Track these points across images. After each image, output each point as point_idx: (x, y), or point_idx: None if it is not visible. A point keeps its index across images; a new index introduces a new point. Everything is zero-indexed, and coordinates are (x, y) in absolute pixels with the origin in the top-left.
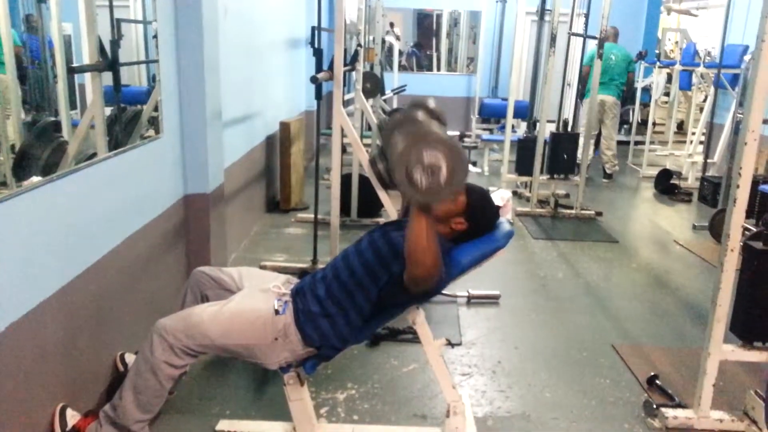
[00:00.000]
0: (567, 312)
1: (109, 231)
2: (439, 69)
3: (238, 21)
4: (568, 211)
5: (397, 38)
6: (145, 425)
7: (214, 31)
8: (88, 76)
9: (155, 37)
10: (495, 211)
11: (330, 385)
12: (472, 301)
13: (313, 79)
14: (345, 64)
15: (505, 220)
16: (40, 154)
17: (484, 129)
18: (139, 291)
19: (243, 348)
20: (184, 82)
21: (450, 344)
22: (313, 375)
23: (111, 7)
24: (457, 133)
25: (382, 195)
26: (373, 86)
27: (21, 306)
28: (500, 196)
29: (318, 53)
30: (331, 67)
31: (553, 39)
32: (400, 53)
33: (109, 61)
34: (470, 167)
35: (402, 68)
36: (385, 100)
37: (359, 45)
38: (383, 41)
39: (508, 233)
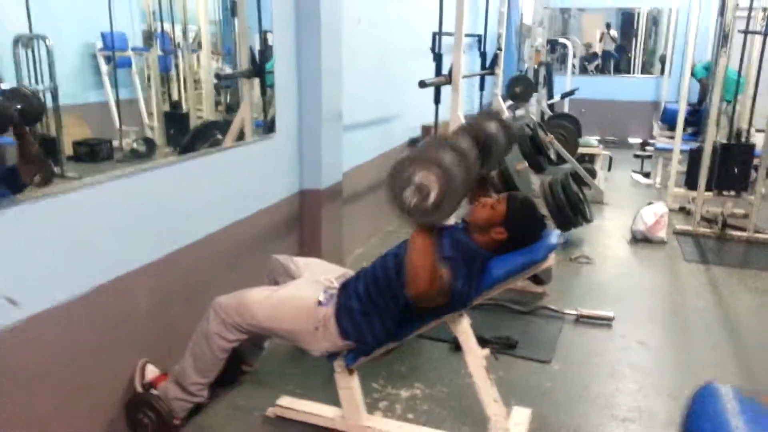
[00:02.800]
0: (689, 346)
1: (213, 215)
2: (633, 71)
3: (374, 28)
4: (739, 233)
5: (613, 40)
6: (204, 388)
7: (335, 39)
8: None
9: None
10: (539, 221)
11: (399, 382)
12: (580, 320)
13: (421, 84)
14: (483, 68)
15: (555, 232)
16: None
17: (670, 137)
18: (243, 270)
19: (286, 333)
20: (304, 87)
21: (494, 357)
22: (388, 370)
23: (260, 19)
24: (639, 140)
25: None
26: (524, 90)
27: (110, 271)
28: (653, 211)
29: (438, 58)
30: (450, 72)
31: (725, 37)
32: (594, 55)
33: (257, 68)
34: (641, 179)
35: (596, 71)
36: (552, 105)
37: (499, 48)
38: (556, 42)
39: (549, 246)
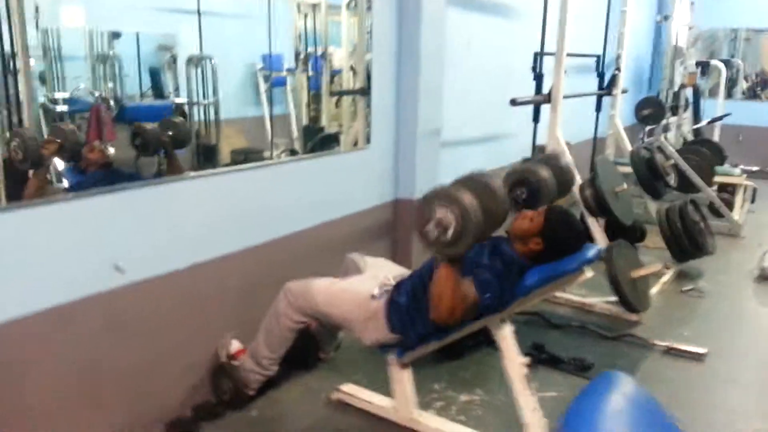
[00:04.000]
0: None
1: (306, 214)
2: None
3: (487, 50)
4: None
5: None
6: (274, 362)
7: (436, 62)
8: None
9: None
10: (576, 234)
11: (460, 386)
12: (670, 352)
13: (513, 102)
14: (601, 89)
15: (595, 246)
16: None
17: None
18: (330, 266)
19: (341, 320)
20: (401, 104)
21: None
22: (453, 374)
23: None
24: None
25: (591, 221)
26: (653, 113)
27: (205, 253)
28: None
29: (538, 77)
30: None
31: None
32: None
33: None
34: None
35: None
36: (697, 130)
37: (617, 69)
38: (707, 64)
39: (583, 259)
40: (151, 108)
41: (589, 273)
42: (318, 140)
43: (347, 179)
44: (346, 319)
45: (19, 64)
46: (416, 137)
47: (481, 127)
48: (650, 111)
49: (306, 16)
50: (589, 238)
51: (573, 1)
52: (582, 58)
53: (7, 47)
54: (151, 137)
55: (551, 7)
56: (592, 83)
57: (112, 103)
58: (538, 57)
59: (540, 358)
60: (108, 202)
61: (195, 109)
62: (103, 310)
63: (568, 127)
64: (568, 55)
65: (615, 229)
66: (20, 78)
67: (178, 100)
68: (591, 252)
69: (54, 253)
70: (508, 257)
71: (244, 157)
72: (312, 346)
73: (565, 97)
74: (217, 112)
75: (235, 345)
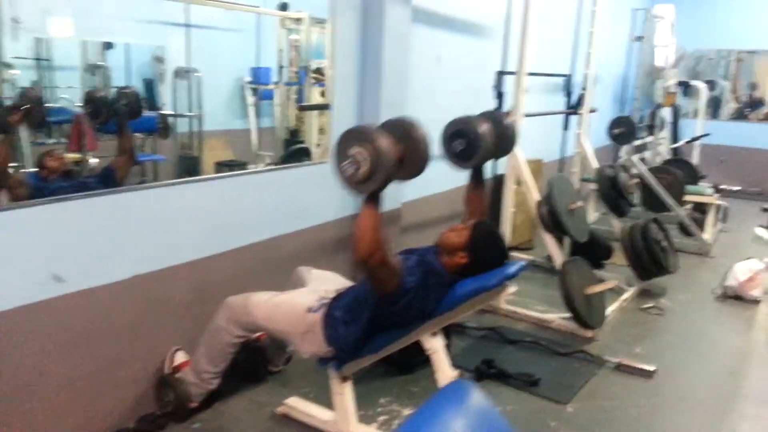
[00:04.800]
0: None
1: (262, 226)
2: None
3: (455, 67)
4: None
5: None
6: (215, 377)
7: (399, 77)
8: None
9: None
10: (500, 250)
11: (407, 400)
12: (620, 368)
13: None
14: (570, 107)
15: (518, 263)
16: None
17: None
18: (283, 279)
19: (279, 333)
20: (364, 119)
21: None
22: (401, 388)
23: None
24: None
25: (547, 238)
26: (624, 132)
27: (150, 264)
28: (748, 267)
29: (499, 96)
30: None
31: None
32: (757, 102)
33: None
34: (765, 234)
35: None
36: (675, 149)
37: (584, 88)
38: (687, 85)
39: (503, 275)
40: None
41: (511, 288)
42: (290, 152)
43: (307, 193)
44: (284, 332)
45: None
46: None
47: None
48: (621, 130)
49: (290, 30)
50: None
51: (536, 22)
52: (553, 77)
53: None
54: (102, 104)
55: (513, 25)
56: (562, 103)
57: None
58: (500, 75)
59: (489, 373)
60: (54, 210)
61: (180, 121)
62: (46, 318)
63: (537, 145)
64: (537, 74)
65: (579, 246)
66: None
67: (163, 112)
68: (513, 268)
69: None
70: (433, 268)
71: (228, 169)
72: (261, 359)
73: (528, 115)
74: (200, 124)
75: (180, 357)
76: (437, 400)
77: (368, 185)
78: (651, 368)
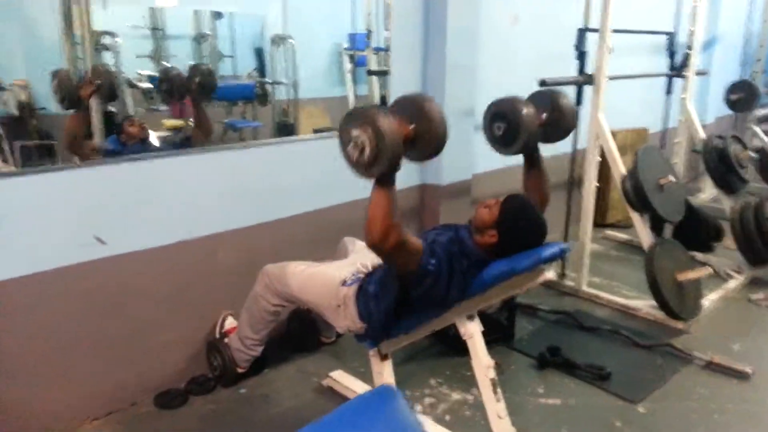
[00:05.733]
0: None
1: (316, 195)
2: None
3: (535, 25)
4: None
5: None
6: (256, 343)
7: (466, 37)
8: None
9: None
10: (534, 227)
11: (458, 384)
12: (711, 367)
13: (542, 83)
14: (672, 69)
15: (558, 245)
16: None
17: None
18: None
19: (313, 305)
20: (428, 82)
21: (499, 368)
22: (455, 371)
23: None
24: None
25: (634, 216)
26: (744, 99)
27: (193, 231)
28: None
29: (581, 56)
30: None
31: None
32: None
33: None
34: None
35: None
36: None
37: (689, 48)
38: None
39: (537, 258)
40: (234, 87)
41: (548, 274)
42: None
43: None
44: (318, 304)
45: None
46: None
47: None
48: (740, 96)
49: None
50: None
51: None
52: (652, 36)
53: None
54: (177, 82)
55: None
56: (665, 65)
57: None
58: (582, 33)
59: (552, 361)
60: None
61: (281, 88)
62: (106, 276)
63: (642, 112)
64: (627, 32)
65: (684, 227)
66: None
67: (261, 79)
68: (549, 250)
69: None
70: (464, 246)
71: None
72: (312, 330)
73: (613, 78)
74: (295, 92)
75: (230, 322)
76: (348, 408)
77: (374, 169)
78: (748, 369)
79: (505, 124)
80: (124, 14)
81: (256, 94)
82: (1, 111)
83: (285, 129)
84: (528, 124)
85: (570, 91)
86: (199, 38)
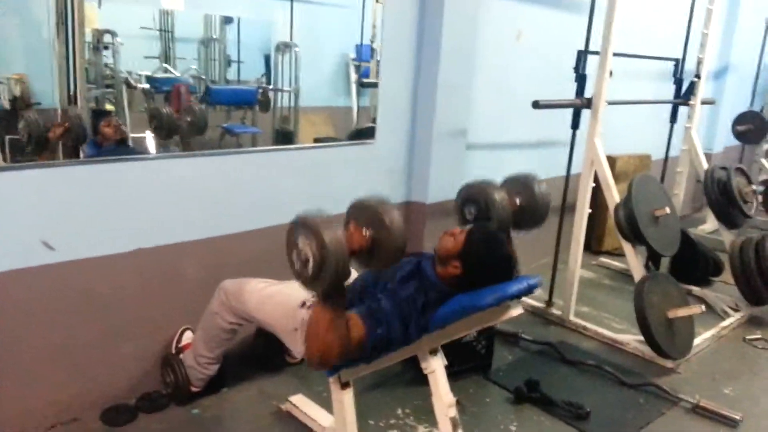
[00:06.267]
0: None
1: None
2: None
3: (538, 44)
4: None
5: None
6: (211, 362)
7: (461, 54)
8: None
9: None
10: (501, 261)
11: (426, 416)
12: (697, 411)
13: (535, 104)
14: (678, 96)
15: (528, 280)
16: None
17: None
18: None
19: (270, 327)
20: (419, 99)
21: (461, 406)
22: (426, 401)
23: None
24: None
25: (626, 246)
26: (752, 131)
27: (154, 239)
28: None
29: (580, 78)
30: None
31: None
32: None
33: None
34: None
35: None
36: None
37: (697, 75)
38: None
39: (499, 294)
40: (235, 92)
41: (516, 310)
42: (355, 132)
43: (347, 174)
44: (274, 326)
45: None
46: (432, 136)
47: (529, 131)
48: (748, 127)
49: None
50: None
51: None
52: (658, 61)
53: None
54: (166, 121)
55: None
56: (670, 91)
57: (192, 83)
58: (582, 55)
59: (529, 396)
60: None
61: (279, 95)
62: (57, 282)
63: (645, 138)
64: (630, 56)
65: (681, 260)
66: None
67: (263, 86)
68: (516, 286)
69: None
70: (426, 279)
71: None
72: (277, 348)
73: (612, 103)
74: (296, 99)
75: (187, 337)
76: None
77: (316, 284)
78: (737, 416)
79: (476, 209)
80: (134, 15)
81: (258, 100)
82: None
83: (284, 136)
84: (500, 210)
85: (566, 115)
86: (206, 42)
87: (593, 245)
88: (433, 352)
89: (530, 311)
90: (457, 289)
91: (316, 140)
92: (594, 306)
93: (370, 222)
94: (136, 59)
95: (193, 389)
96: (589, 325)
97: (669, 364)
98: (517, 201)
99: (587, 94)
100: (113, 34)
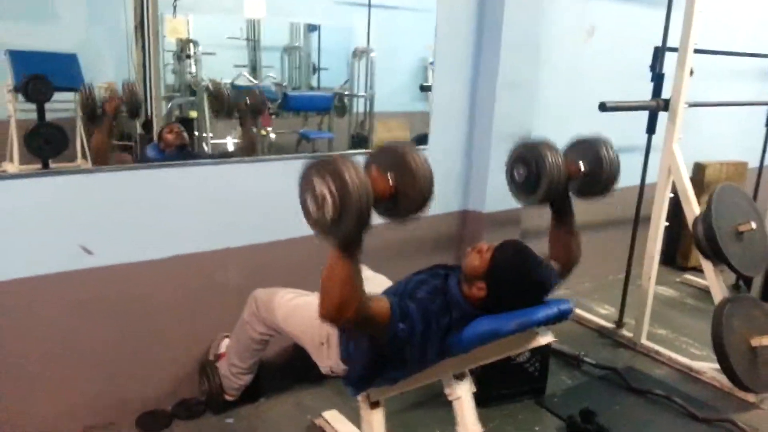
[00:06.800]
0: None
1: None
2: None
3: (616, 40)
4: None
5: None
6: (243, 372)
7: (523, 52)
8: None
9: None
10: (529, 284)
11: None
12: None
13: (601, 107)
14: None
15: (561, 304)
16: None
17: None
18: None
19: (298, 340)
20: (478, 102)
21: None
22: None
23: None
24: None
25: (705, 264)
26: None
27: (200, 245)
28: None
29: (657, 78)
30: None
31: None
32: None
33: None
34: None
35: None
36: None
37: None
38: None
39: (530, 320)
40: (312, 98)
41: (545, 338)
42: (415, 137)
43: None
44: (301, 339)
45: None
46: (491, 142)
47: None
48: None
49: None
50: None
51: None
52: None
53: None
54: (226, 101)
55: None
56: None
57: (274, 90)
58: (659, 52)
59: (584, 428)
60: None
61: (355, 101)
62: (100, 286)
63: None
64: (715, 52)
65: None
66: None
67: (339, 91)
68: (544, 311)
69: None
70: (453, 298)
71: None
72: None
73: (694, 105)
74: (371, 105)
75: (225, 345)
76: None
77: (336, 229)
78: None
79: (525, 171)
80: (223, 26)
81: (334, 106)
82: None
83: (359, 141)
84: (552, 173)
85: (644, 118)
86: (289, 50)
87: (678, 260)
88: (459, 377)
89: (597, 331)
90: (482, 311)
91: None
92: (671, 328)
93: (394, 166)
94: (225, 68)
95: (228, 398)
96: (662, 349)
97: (750, 398)
98: (581, 166)
99: (665, 94)
100: (195, 43)
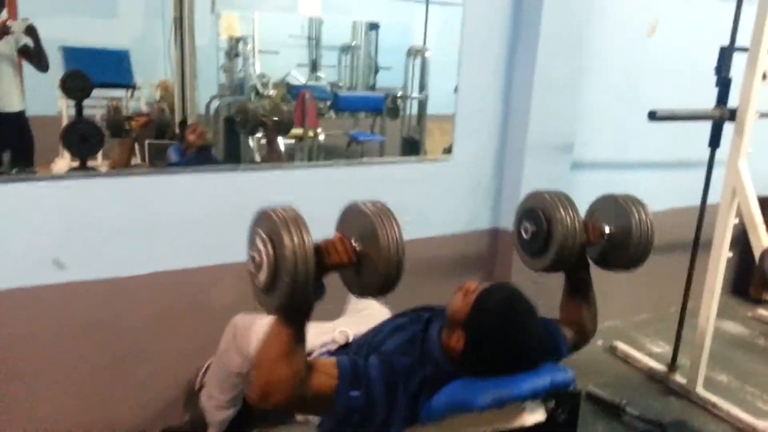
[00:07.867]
0: None
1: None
2: None
3: (681, 40)
4: None
5: None
6: (222, 407)
7: (565, 47)
8: None
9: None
10: (515, 345)
11: None
12: None
13: (651, 115)
14: None
15: (559, 373)
16: None
17: None
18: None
19: None
20: (512, 106)
21: None
22: None
23: None
24: None
25: None
26: None
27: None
28: None
29: (723, 83)
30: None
31: None
32: None
33: None
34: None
35: None
36: None
37: None
38: None
39: (504, 395)
40: (363, 99)
41: (535, 415)
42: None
43: (417, 194)
44: None
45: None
46: (524, 149)
47: (659, 147)
48: None
49: None
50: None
51: None
52: None
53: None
54: (251, 117)
55: None
56: None
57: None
58: (725, 53)
59: None
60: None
61: (409, 102)
62: (84, 301)
63: None
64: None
65: None
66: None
67: (393, 92)
68: (531, 382)
69: None
70: (430, 350)
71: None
72: None
73: (766, 115)
74: (425, 106)
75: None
76: None
77: (269, 298)
78: None
79: (534, 227)
80: (285, 24)
81: (387, 107)
82: (135, 108)
83: (411, 145)
84: (564, 233)
85: (705, 129)
86: (346, 49)
87: (752, 293)
88: None
89: (646, 374)
90: (460, 368)
91: (446, 150)
92: (736, 374)
93: (362, 234)
94: (288, 66)
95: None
96: (720, 401)
97: None
98: (606, 228)
99: (732, 103)
100: (245, 41)
